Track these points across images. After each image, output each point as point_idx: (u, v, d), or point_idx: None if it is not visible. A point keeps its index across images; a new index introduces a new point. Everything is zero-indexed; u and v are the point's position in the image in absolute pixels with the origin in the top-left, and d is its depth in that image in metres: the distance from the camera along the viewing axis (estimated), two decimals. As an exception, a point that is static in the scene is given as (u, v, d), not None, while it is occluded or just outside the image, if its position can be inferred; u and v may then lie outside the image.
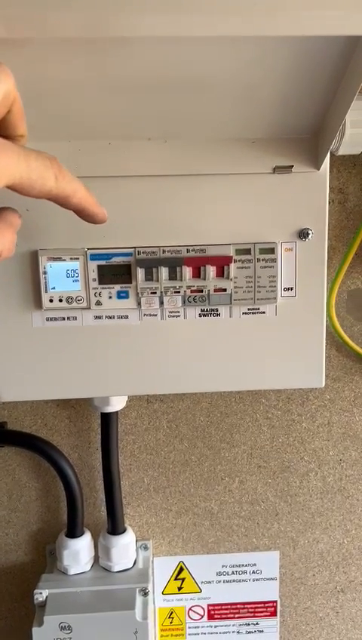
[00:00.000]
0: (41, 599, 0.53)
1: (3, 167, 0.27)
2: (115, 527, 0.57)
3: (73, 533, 0.56)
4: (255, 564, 0.62)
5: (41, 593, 0.53)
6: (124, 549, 0.56)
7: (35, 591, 0.53)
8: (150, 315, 0.46)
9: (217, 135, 0.43)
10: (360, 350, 0.57)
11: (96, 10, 0.29)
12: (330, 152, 0.49)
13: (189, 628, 0.63)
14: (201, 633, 0.63)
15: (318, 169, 0.44)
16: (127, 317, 0.46)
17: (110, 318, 0.46)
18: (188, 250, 0.45)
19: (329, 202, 0.55)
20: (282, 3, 0.29)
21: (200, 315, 0.46)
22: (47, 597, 0.53)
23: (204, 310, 0.46)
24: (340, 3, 0.29)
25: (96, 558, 0.58)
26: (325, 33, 0.30)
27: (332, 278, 0.56)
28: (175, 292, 0.45)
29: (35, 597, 0.53)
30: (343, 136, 0.48)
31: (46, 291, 0.44)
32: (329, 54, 0.35)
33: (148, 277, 0.45)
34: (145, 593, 0.54)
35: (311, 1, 0.29)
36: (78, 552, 0.56)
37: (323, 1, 0.29)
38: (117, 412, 0.55)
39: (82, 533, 0.57)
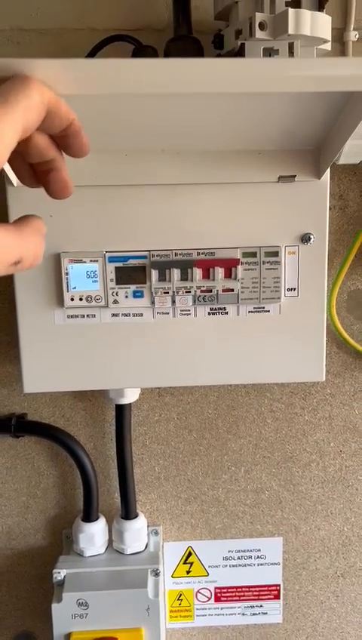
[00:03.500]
0: (59, 578, 0.57)
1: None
2: (128, 513, 0.60)
3: (89, 517, 0.60)
4: (259, 550, 0.66)
5: (59, 572, 0.57)
6: (137, 533, 0.60)
7: (54, 570, 0.57)
8: (163, 313, 0.49)
9: (226, 147, 0.47)
10: (360, 347, 0.61)
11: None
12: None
13: (197, 609, 0.67)
14: (208, 614, 0.67)
15: (319, 178, 0.48)
16: (141, 315, 0.49)
17: (126, 315, 0.49)
18: (198, 253, 0.48)
19: (331, 208, 0.59)
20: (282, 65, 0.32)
21: (209, 314, 0.50)
22: (65, 576, 0.57)
23: (213, 309, 0.50)
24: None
25: (110, 542, 0.62)
26: (324, 89, 0.33)
27: (334, 280, 0.59)
28: (186, 292, 0.49)
29: (54, 576, 0.57)
30: (343, 147, 0.52)
31: (67, 291, 0.48)
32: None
33: (162, 278, 0.48)
34: (156, 574, 0.57)
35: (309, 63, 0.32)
36: (94, 536, 0.60)
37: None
38: (130, 404, 0.59)
39: (97, 518, 0.61)
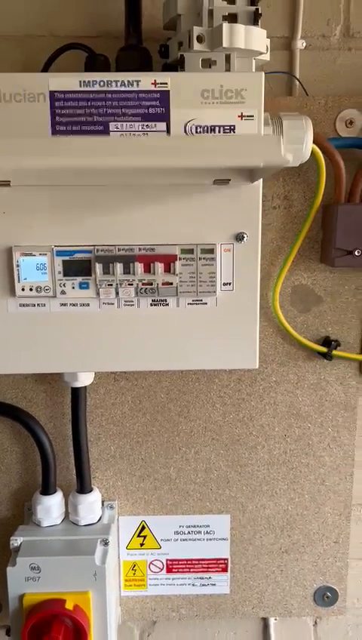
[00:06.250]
0: (16, 545, 0.62)
1: None
2: (83, 487, 0.65)
3: (46, 490, 0.65)
4: (208, 526, 0.71)
5: (16, 540, 0.62)
6: (90, 506, 0.65)
7: (11, 538, 0.62)
8: (108, 303, 0.54)
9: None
10: (302, 339, 0.65)
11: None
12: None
13: (150, 579, 0.72)
14: (161, 584, 0.72)
15: (253, 182, 0.52)
16: (88, 305, 0.54)
17: (74, 305, 0.54)
18: (139, 249, 0.52)
19: (276, 207, 0.63)
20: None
21: (151, 305, 0.54)
22: (21, 543, 0.62)
23: (154, 300, 0.54)
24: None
25: (66, 514, 0.67)
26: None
27: (277, 275, 0.63)
28: (129, 284, 0.53)
29: (11, 543, 0.62)
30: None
31: (19, 281, 0.52)
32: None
33: (106, 271, 0.53)
34: (105, 543, 0.62)
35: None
36: (50, 507, 0.64)
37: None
38: (85, 387, 0.63)
39: (54, 492, 0.65)
